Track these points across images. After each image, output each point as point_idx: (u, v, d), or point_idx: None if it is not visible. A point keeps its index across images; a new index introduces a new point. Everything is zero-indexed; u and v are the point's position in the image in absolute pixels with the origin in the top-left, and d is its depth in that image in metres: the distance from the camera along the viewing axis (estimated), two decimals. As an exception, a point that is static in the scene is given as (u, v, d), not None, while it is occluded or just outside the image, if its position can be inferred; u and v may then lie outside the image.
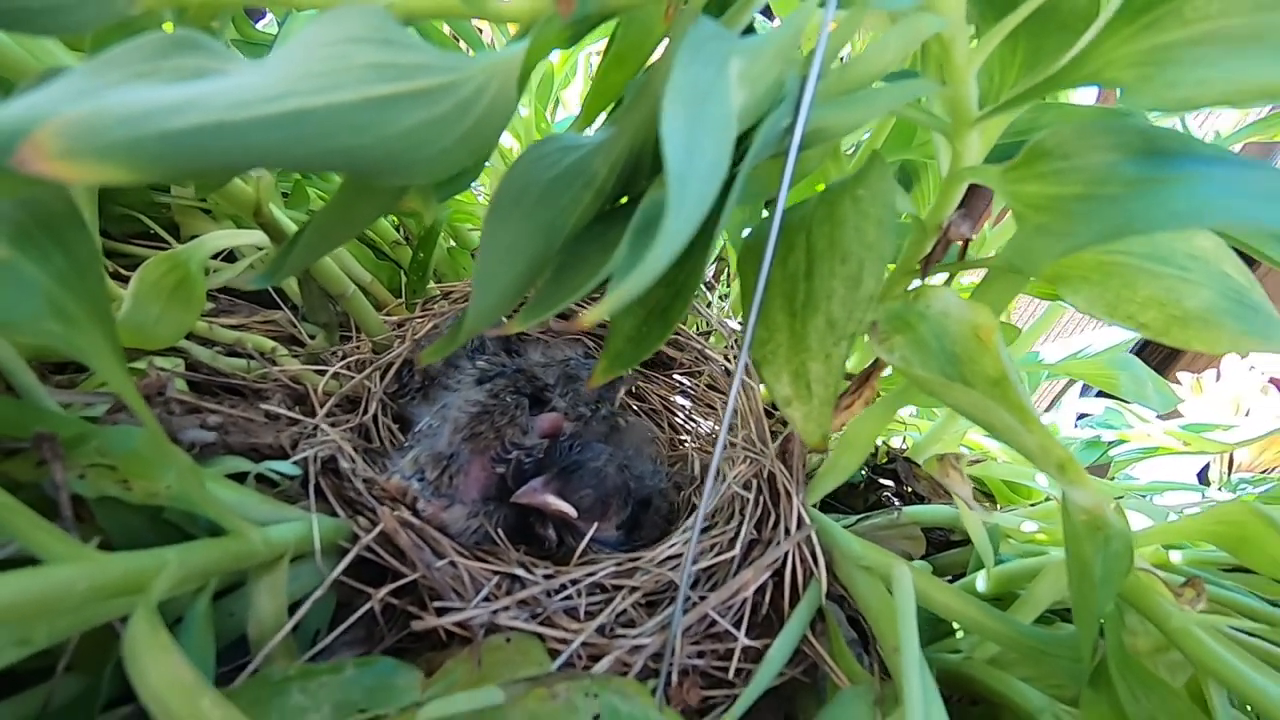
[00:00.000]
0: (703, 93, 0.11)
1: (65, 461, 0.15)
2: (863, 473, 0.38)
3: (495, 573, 0.19)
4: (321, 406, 0.23)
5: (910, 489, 0.37)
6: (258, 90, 0.09)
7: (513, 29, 0.17)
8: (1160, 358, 0.79)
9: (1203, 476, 0.56)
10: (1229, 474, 0.58)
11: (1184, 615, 0.20)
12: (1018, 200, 0.15)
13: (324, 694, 0.14)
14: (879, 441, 0.41)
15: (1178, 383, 0.58)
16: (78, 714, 0.14)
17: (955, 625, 0.28)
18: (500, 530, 0.21)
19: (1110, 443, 0.45)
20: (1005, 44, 0.18)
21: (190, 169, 0.09)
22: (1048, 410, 0.59)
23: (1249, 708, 0.21)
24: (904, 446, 0.39)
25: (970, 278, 0.36)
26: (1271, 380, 0.58)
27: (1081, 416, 0.49)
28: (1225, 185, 0.11)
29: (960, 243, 0.21)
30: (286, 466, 0.19)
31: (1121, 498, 0.37)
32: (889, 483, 0.38)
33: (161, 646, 0.12)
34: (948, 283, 0.23)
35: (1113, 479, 0.47)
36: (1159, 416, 0.47)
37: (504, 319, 0.16)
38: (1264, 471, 0.57)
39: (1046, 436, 0.16)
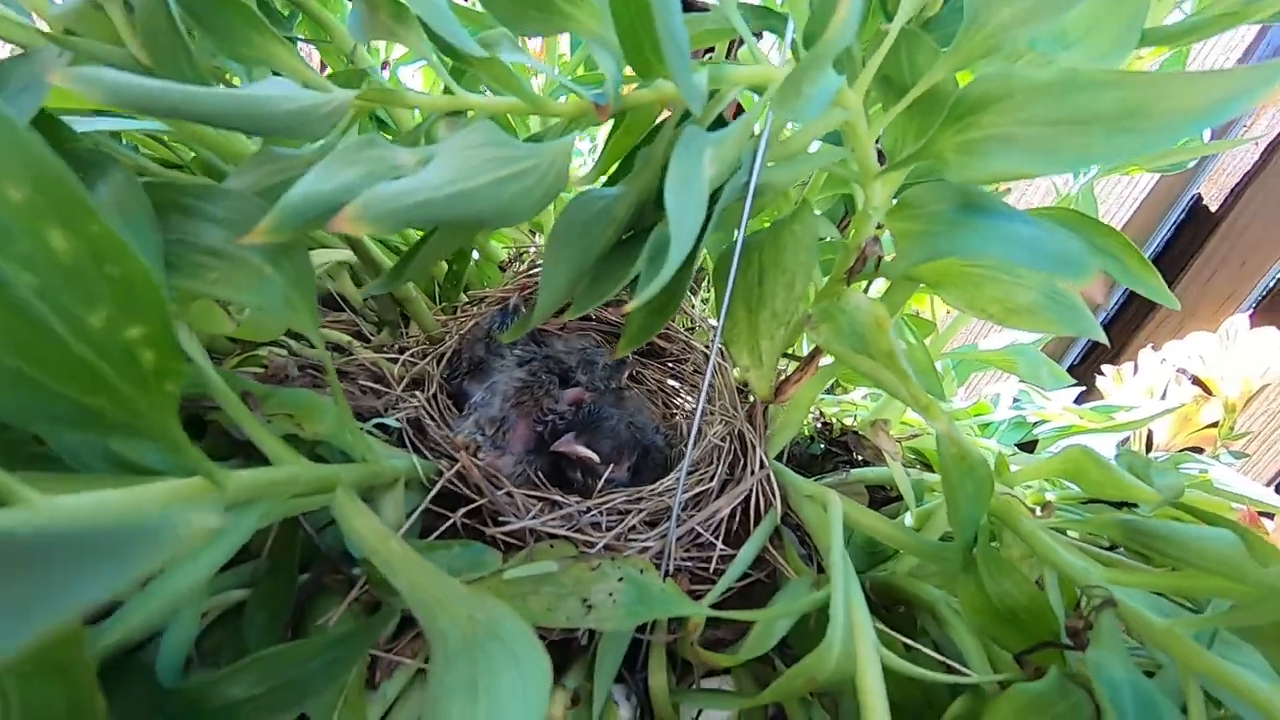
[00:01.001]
0: (688, 174, 0.18)
1: (260, 411, 0.22)
2: (821, 446, 0.46)
3: (539, 499, 0.27)
4: (398, 383, 0.30)
5: (860, 457, 0.45)
6: (438, 181, 0.17)
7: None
8: (1114, 353, 0.88)
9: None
10: (1146, 452, 0.66)
11: (1032, 522, 0.27)
12: (894, 232, 0.23)
13: (441, 561, 0.22)
14: (836, 420, 0.49)
15: (1102, 374, 0.67)
16: (283, 572, 0.21)
17: (886, 554, 0.35)
18: (540, 473, 0.29)
19: (1034, 423, 0.53)
20: (902, 118, 0.26)
21: (409, 225, 0.16)
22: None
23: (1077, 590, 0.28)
24: (854, 423, 0.47)
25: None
26: (1180, 370, 0.66)
27: (1015, 401, 0.57)
28: (1002, 232, 0.19)
29: (875, 259, 0.29)
30: (390, 421, 0.27)
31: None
32: (842, 453, 0.45)
33: (361, 510, 0.19)
34: (866, 288, 0.30)
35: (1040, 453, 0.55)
36: (1077, 400, 0.55)
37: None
38: (1183, 450, 0.65)
39: (916, 389, 0.23)
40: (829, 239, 0.30)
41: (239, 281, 0.18)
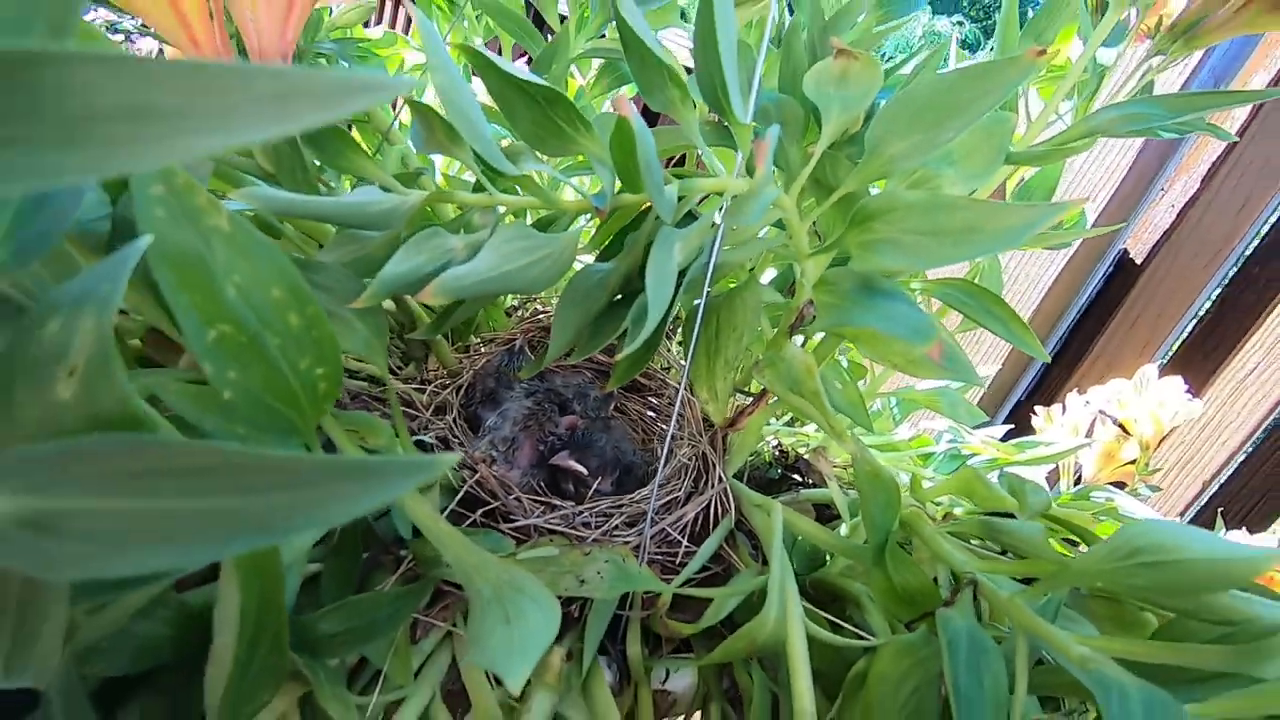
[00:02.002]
0: (661, 264, 0.26)
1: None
2: (779, 470, 0.53)
3: (541, 503, 0.33)
4: (426, 410, 0.37)
5: (810, 480, 0.52)
6: (485, 267, 0.24)
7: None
8: (1049, 395, 0.96)
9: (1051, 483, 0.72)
10: (1074, 484, 0.74)
11: (932, 528, 0.34)
12: (816, 301, 0.30)
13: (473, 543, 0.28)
14: (792, 449, 0.56)
15: (1034, 414, 0.75)
16: (349, 550, 0.28)
17: (824, 559, 0.42)
18: (541, 483, 0.36)
19: (968, 455, 0.61)
20: (829, 212, 0.34)
21: (465, 296, 0.23)
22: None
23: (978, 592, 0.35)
24: (805, 451, 0.54)
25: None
26: (1101, 412, 0.74)
27: (951, 437, 0.65)
28: (883, 309, 0.27)
29: (810, 317, 0.37)
30: (425, 439, 0.33)
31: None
32: (795, 476, 0.52)
33: (419, 499, 0.26)
34: (804, 341, 0.38)
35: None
36: (1015, 435, 0.63)
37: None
38: (1108, 483, 0.73)
39: (834, 421, 0.31)
40: (782, 297, 0.38)
41: (340, 333, 0.25)
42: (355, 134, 0.50)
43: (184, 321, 0.15)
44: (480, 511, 0.32)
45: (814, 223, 0.34)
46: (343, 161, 0.27)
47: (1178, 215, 0.82)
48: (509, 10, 0.39)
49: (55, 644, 0.13)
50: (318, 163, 0.29)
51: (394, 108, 0.47)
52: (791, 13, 0.38)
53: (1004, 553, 0.35)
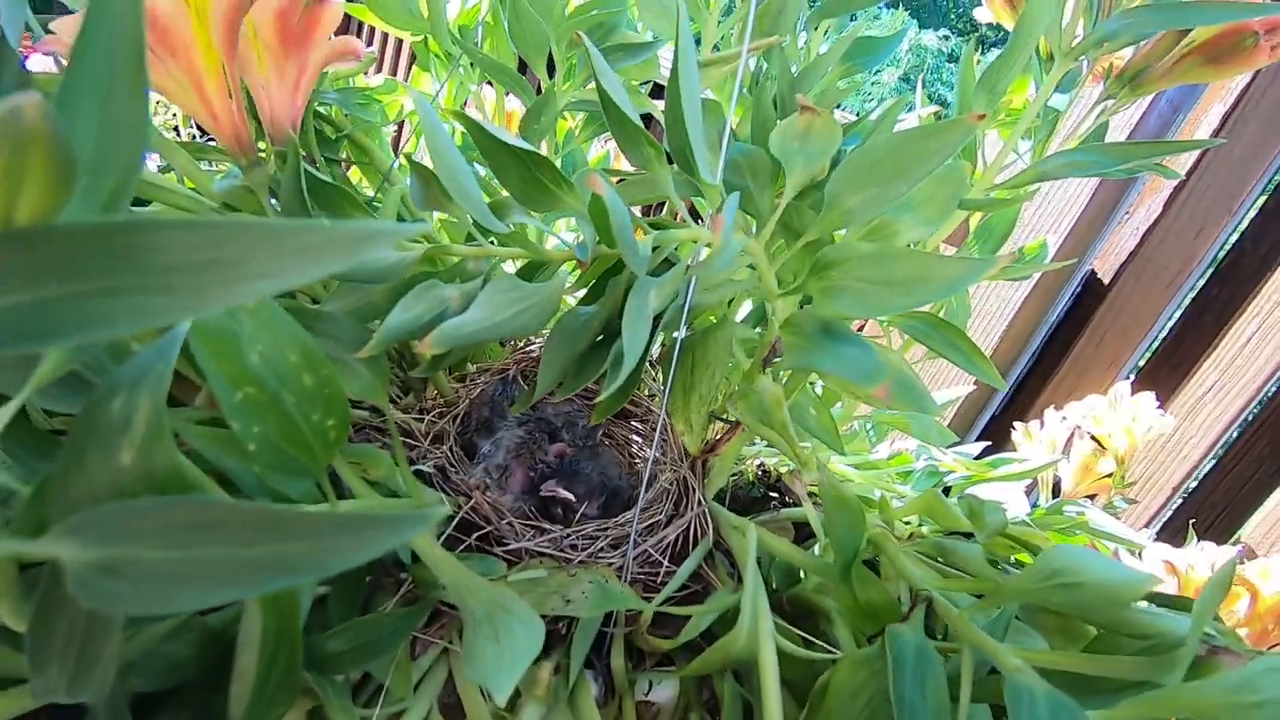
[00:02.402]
0: (637, 311, 0.28)
1: (338, 460, 0.31)
2: (761, 490, 0.55)
3: (531, 527, 0.36)
4: (425, 439, 0.40)
5: (790, 500, 0.54)
6: (479, 317, 0.26)
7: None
8: (1022, 411, 0.99)
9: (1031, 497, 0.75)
10: (1052, 497, 0.76)
11: (895, 547, 0.37)
12: (783, 340, 0.33)
13: (466, 567, 0.31)
14: (774, 470, 0.59)
15: (1014, 429, 0.78)
16: (355, 574, 0.30)
17: (800, 577, 0.45)
18: (532, 509, 0.38)
19: (945, 473, 0.64)
20: (796, 255, 0.37)
21: (459, 345, 0.26)
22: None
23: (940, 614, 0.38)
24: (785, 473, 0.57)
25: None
26: (1077, 428, 0.77)
27: (929, 459, 0.68)
28: (838, 352, 0.29)
29: (780, 353, 0.39)
30: (423, 468, 0.36)
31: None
32: (776, 496, 0.55)
33: (425, 537, 0.28)
34: (775, 375, 0.40)
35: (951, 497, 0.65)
36: (979, 456, 0.65)
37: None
38: (1084, 496, 0.76)
39: (799, 450, 0.33)
40: (755, 332, 0.41)
41: (344, 377, 0.27)
42: (358, 172, 0.52)
43: (215, 385, 0.18)
44: (475, 536, 0.35)
45: (785, 262, 0.36)
46: (343, 215, 0.30)
47: (1141, 239, 0.86)
48: (501, 65, 0.42)
49: (111, 669, 0.16)
50: (317, 213, 0.31)
51: (395, 151, 0.50)
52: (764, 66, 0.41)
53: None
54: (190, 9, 0.25)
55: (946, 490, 0.66)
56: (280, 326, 0.19)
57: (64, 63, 0.31)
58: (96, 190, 0.12)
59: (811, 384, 0.47)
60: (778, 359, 0.36)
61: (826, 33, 0.45)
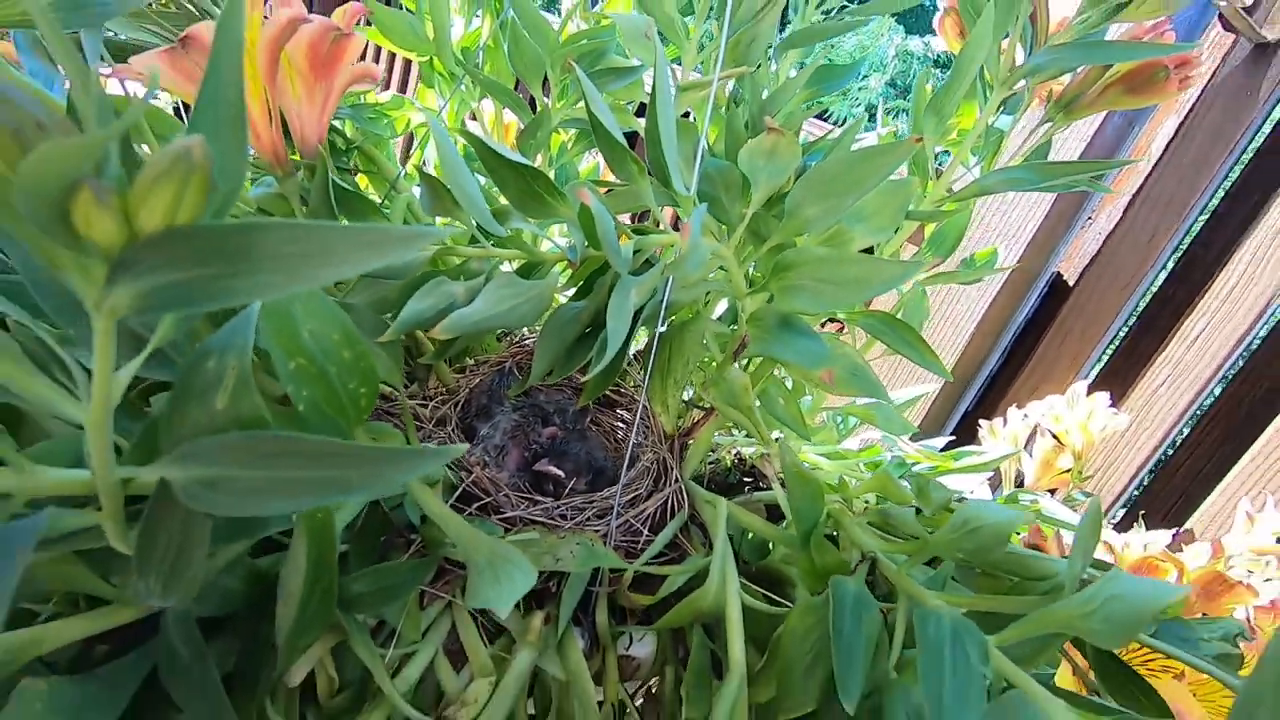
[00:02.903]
0: (619, 306, 0.33)
1: (356, 435, 0.36)
2: (737, 475, 0.60)
3: (525, 499, 0.40)
4: (429, 422, 0.44)
5: (764, 485, 0.59)
6: (482, 308, 0.31)
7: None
8: (990, 408, 1.04)
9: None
10: (1014, 488, 0.81)
11: (851, 519, 0.41)
12: (749, 333, 0.38)
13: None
14: (750, 457, 0.64)
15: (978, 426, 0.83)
16: (371, 534, 0.34)
17: (770, 550, 0.49)
18: (526, 484, 0.42)
19: (911, 464, 0.68)
20: (764, 257, 0.41)
21: (467, 332, 0.30)
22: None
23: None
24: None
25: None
26: (1037, 425, 0.82)
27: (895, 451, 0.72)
28: (794, 343, 0.34)
29: (748, 345, 0.44)
30: (429, 447, 0.40)
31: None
32: (751, 480, 0.59)
33: (429, 492, 0.33)
34: (748, 363, 0.45)
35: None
36: (944, 449, 0.70)
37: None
38: (1046, 490, 0.81)
39: (764, 432, 0.38)
40: (728, 328, 0.45)
41: (366, 359, 0.32)
42: (366, 180, 0.57)
43: (275, 355, 0.22)
44: (475, 505, 0.39)
45: (753, 265, 0.41)
46: (366, 221, 0.34)
47: (1101, 243, 0.91)
48: (500, 85, 0.47)
49: (197, 578, 0.20)
50: (344, 220, 0.36)
51: (401, 162, 0.54)
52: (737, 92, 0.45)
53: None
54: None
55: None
56: (325, 311, 0.23)
57: (130, 87, 0.35)
58: (214, 200, 0.16)
59: (782, 378, 0.51)
60: (746, 351, 0.41)
61: (796, 60, 0.49)
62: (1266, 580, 0.54)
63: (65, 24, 0.27)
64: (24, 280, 0.20)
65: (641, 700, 0.41)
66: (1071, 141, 0.89)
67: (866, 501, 0.50)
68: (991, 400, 1.03)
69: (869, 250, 0.50)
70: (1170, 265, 0.94)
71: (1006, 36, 0.44)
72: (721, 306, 0.53)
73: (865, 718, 0.30)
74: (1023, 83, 0.46)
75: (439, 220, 0.49)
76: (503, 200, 0.36)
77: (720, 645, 0.41)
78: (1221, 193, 0.90)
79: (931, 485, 0.43)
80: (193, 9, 0.46)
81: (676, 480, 0.43)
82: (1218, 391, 0.85)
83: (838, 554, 0.39)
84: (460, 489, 0.39)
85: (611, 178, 0.60)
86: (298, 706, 0.30)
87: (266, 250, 0.15)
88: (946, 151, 0.54)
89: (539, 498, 0.40)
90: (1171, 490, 0.87)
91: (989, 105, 0.45)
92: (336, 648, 0.31)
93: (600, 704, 0.38)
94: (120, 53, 0.37)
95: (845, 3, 0.47)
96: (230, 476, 0.18)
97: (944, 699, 0.22)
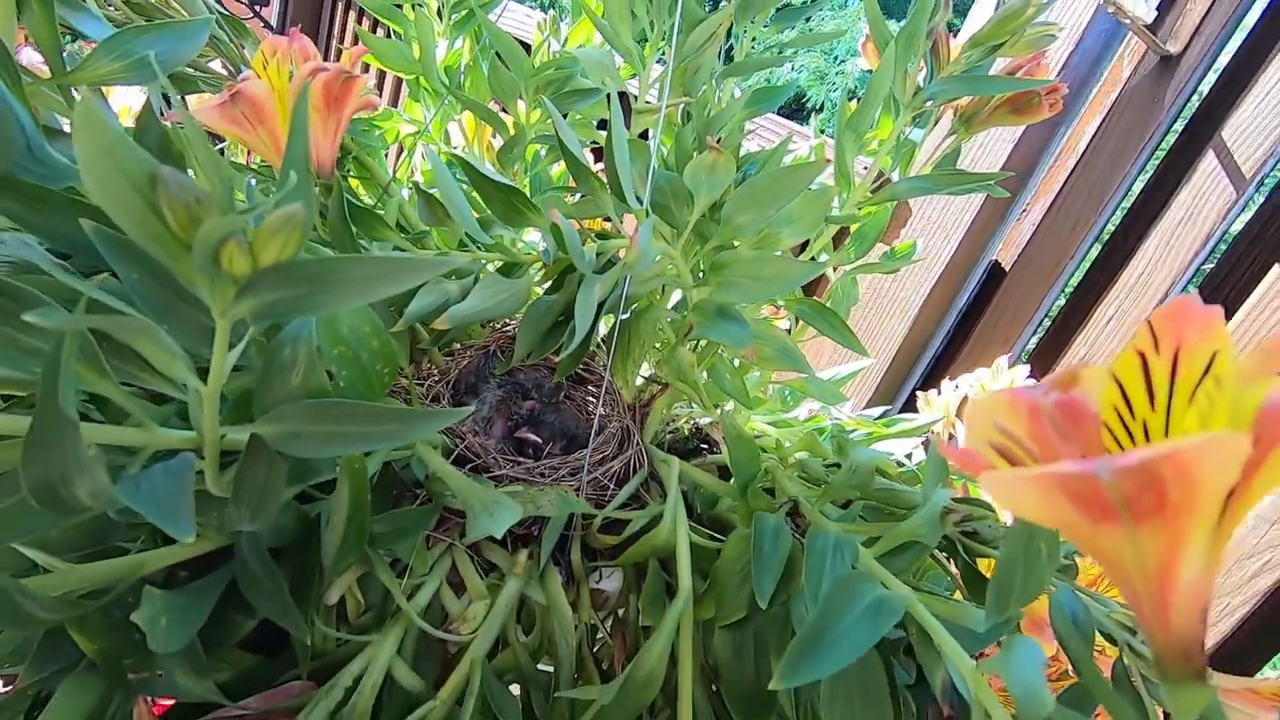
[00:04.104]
0: (585, 300, 0.40)
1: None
2: (695, 442, 0.68)
3: (509, 460, 0.48)
4: (425, 399, 0.52)
5: (716, 449, 0.67)
6: (474, 303, 0.38)
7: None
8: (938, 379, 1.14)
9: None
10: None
11: (782, 472, 0.50)
12: (693, 319, 0.45)
13: (464, 483, 0.43)
14: (706, 428, 0.72)
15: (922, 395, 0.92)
16: (385, 488, 0.42)
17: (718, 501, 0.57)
18: (510, 449, 0.50)
19: (849, 431, 0.77)
20: (706, 256, 0.49)
21: (463, 323, 0.38)
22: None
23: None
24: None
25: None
26: (965, 396, 0.91)
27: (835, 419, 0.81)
28: (724, 328, 0.42)
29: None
30: (429, 417, 0.48)
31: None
32: (707, 446, 0.68)
33: (434, 453, 0.40)
34: (694, 346, 0.53)
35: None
36: (878, 418, 0.79)
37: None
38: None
39: (708, 402, 0.46)
40: (679, 315, 0.53)
41: (379, 346, 0.39)
42: (357, 184, 0.63)
43: (323, 343, 0.30)
44: (468, 467, 0.47)
45: (699, 261, 0.49)
46: (374, 233, 0.42)
47: (1033, 232, 1.00)
48: (479, 104, 0.54)
49: (275, 508, 0.28)
50: (356, 231, 0.43)
51: (391, 169, 0.61)
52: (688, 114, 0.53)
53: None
54: (275, 92, 0.36)
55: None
56: (359, 309, 0.31)
57: (172, 118, 0.42)
58: (296, 240, 0.24)
59: (730, 358, 0.59)
60: (692, 334, 0.49)
61: (740, 82, 0.57)
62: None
63: (133, 80, 0.34)
64: (138, 292, 0.27)
65: (610, 624, 0.50)
66: (1001, 143, 0.97)
67: (799, 459, 0.59)
68: (937, 376, 1.12)
69: (806, 244, 0.58)
70: (1094, 254, 1.04)
71: (913, 64, 0.52)
72: (677, 296, 0.61)
73: (780, 619, 0.38)
74: (929, 102, 0.54)
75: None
76: (488, 212, 0.44)
77: (673, 575, 0.49)
78: (1138, 187, 1.00)
79: (848, 444, 0.51)
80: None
81: (637, 444, 0.51)
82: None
83: (770, 500, 0.48)
84: (455, 453, 0.47)
85: (580, 183, 0.67)
86: (334, 622, 0.38)
87: (339, 276, 0.22)
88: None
89: (521, 460, 0.48)
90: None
91: (899, 122, 0.53)
92: (361, 579, 0.39)
93: (575, 627, 0.47)
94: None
95: (784, 28, 0.55)
96: (305, 430, 0.25)
97: (822, 586, 0.31)
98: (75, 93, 0.34)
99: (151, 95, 0.34)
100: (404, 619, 0.39)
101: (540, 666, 0.45)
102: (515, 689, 0.44)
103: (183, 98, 0.47)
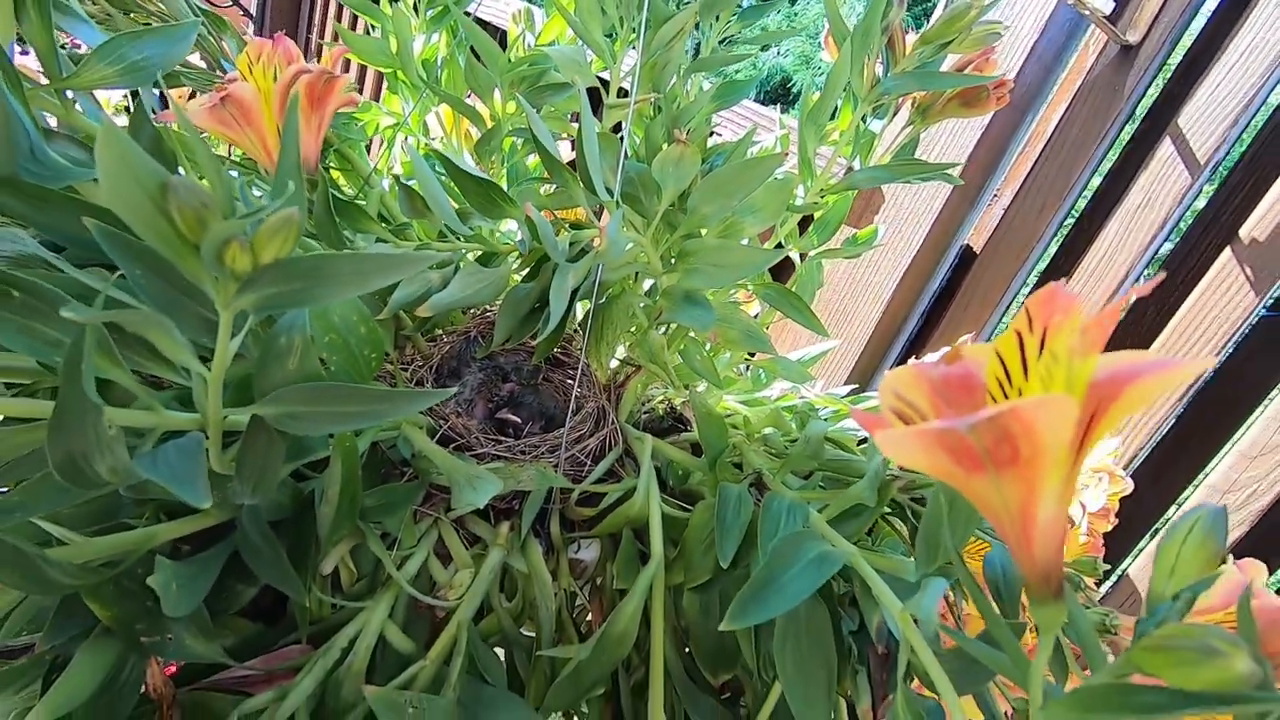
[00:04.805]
0: (559, 285, 0.43)
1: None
2: (669, 421, 0.72)
3: (491, 440, 0.51)
4: (409, 383, 0.54)
5: (690, 428, 0.71)
6: (455, 291, 0.41)
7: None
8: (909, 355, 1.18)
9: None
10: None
11: (748, 446, 0.53)
12: (663, 305, 0.48)
13: (448, 461, 0.46)
14: (680, 407, 0.75)
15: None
16: (374, 466, 0.45)
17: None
18: (491, 429, 0.53)
19: (820, 409, 0.81)
20: (676, 241, 0.52)
21: (444, 310, 0.40)
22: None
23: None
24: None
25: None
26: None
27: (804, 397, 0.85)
28: (690, 311, 0.45)
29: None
30: (414, 400, 0.50)
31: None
32: (681, 425, 0.71)
33: (421, 433, 0.43)
34: (666, 329, 0.56)
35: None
36: (846, 396, 0.83)
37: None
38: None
39: (677, 382, 0.49)
40: (651, 300, 0.56)
41: (366, 333, 0.42)
42: (338, 175, 0.65)
43: (315, 330, 0.32)
44: (452, 446, 0.50)
45: (669, 249, 0.52)
46: (357, 225, 0.44)
47: (1002, 216, 1.04)
48: (456, 98, 0.56)
49: (274, 483, 0.31)
50: (341, 223, 0.45)
51: (372, 161, 0.63)
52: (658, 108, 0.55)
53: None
54: (261, 94, 0.38)
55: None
56: (349, 300, 0.33)
57: (163, 117, 0.44)
58: (290, 238, 0.26)
59: (702, 340, 0.62)
60: (661, 318, 0.51)
61: (708, 76, 0.59)
62: (1108, 493, 0.67)
63: (125, 84, 0.36)
64: (141, 286, 0.29)
65: (588, 591, 0.53)
66: (970, 131, 1.01)
67: (765, 434, 0.62)
68: (912, 357, 1.16)
69: (772, 230, 0.61)
70: (1060, 238, 1.08)
71: (871, 59, 0.54)
72: (650, 283, 0.64)
73: (742, 579, 0.42)
74: (885, 95, 0.57)
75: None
76: (466, 204, 0.46)
77: (647, 544, 0.52)
78: (1101, 174, 1.04)
79: (811, 420, 0.55)
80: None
81: (612, 422, 0.54)
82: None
83: (737, 473, 0.51)
84: (439, 434, 0.50)
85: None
86: (329, 591, 0.41)
87: (333, 272, 0.25)
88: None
89: (502, 439, 0.51)
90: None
91: (856, 114, 0.56)
92: (354, 550, 0.42)
93: (555, 594, 0.50)
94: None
95: (743, 28, 0.57)
96: (302, 410, 0.28)
97: (774, 543, 0.34)
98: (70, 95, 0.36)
99: (144, 96, 0.36)
100: (395, 587, 0.41)
101: (523, 632, 0.48)
102: (500, 653, 0.47)
103: (163, 97, 0.48)
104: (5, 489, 0.31)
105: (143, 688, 0.34)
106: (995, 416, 0.15)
